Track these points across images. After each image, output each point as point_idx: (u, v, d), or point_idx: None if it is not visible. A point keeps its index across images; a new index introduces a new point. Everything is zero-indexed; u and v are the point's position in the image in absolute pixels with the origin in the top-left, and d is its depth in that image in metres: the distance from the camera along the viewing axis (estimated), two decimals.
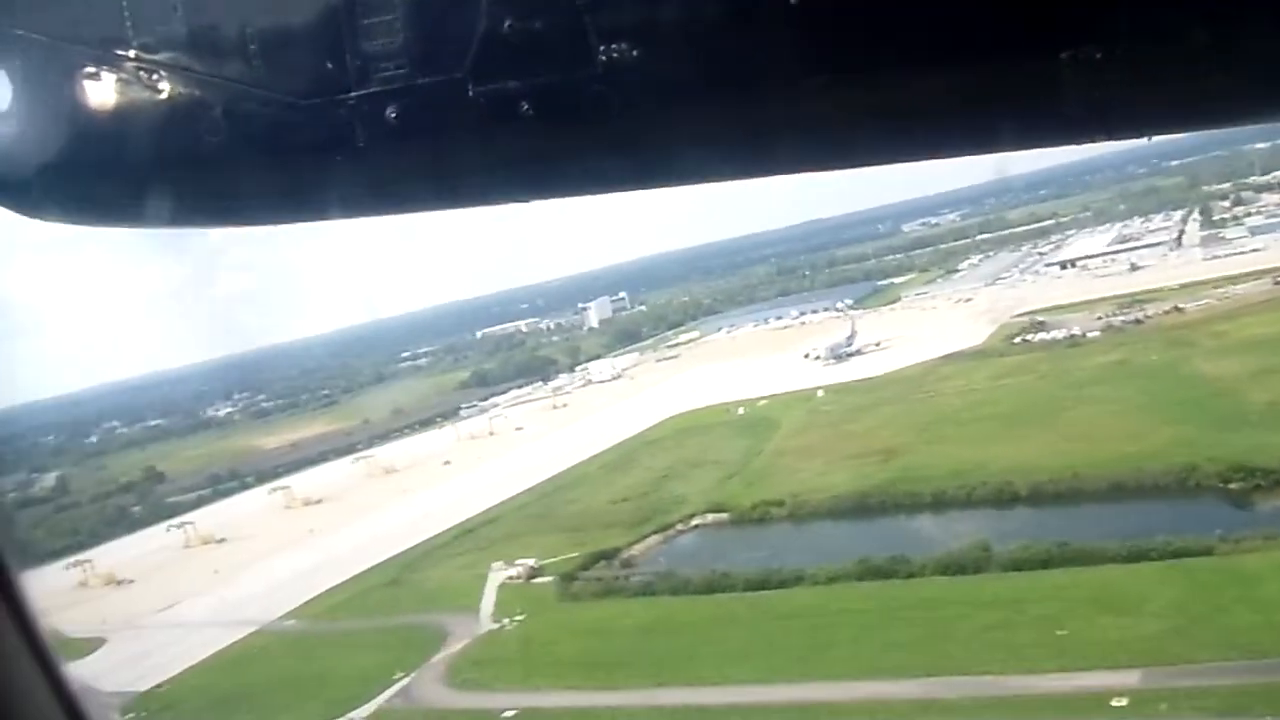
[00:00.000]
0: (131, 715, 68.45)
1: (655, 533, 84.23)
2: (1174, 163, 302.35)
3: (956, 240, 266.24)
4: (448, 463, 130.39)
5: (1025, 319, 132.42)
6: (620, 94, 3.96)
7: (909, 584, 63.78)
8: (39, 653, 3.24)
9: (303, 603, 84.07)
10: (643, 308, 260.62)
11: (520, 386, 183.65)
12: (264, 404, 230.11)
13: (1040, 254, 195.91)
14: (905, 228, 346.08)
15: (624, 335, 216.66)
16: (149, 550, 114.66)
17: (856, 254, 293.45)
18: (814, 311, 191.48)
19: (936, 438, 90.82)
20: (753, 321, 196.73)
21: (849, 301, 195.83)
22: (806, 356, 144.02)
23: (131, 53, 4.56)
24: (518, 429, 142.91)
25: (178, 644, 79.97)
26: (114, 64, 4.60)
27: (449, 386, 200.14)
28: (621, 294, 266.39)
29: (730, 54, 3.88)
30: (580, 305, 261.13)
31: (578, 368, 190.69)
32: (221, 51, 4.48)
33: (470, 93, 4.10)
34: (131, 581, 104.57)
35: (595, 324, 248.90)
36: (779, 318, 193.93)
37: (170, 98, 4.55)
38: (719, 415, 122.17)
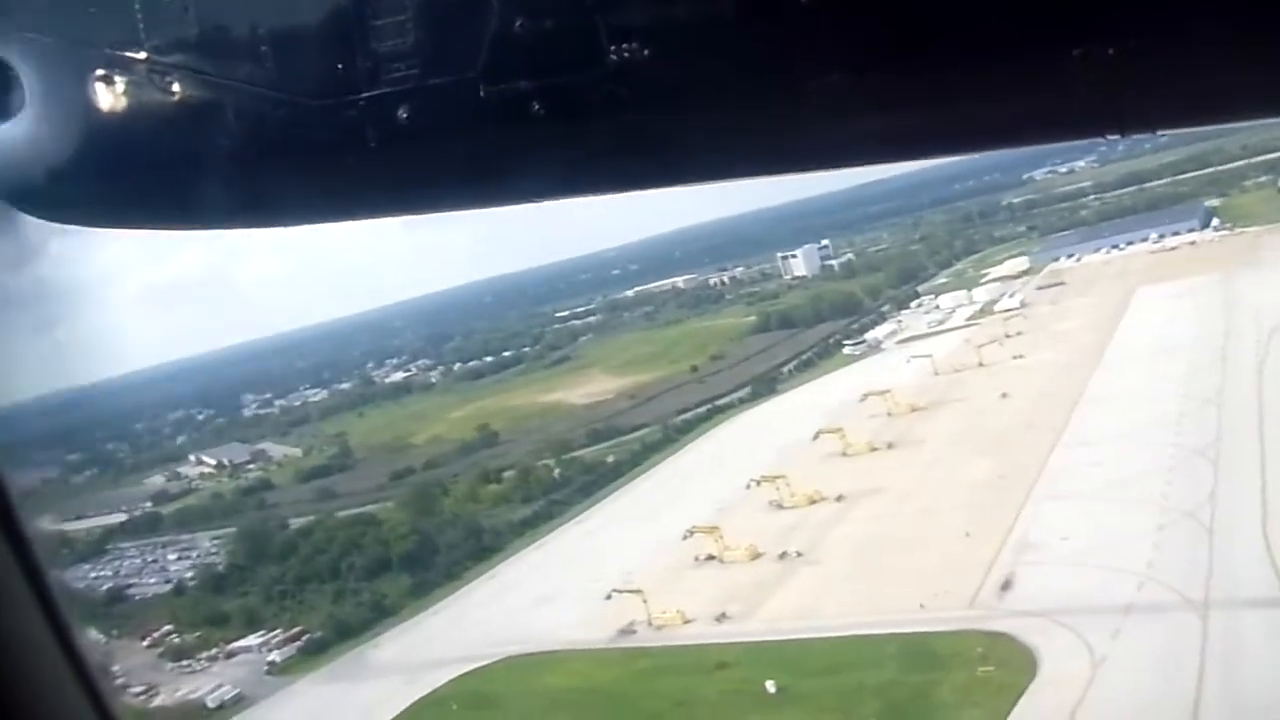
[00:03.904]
0: None
1: None
2: None
3: (1182, 173, 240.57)
4: (1005, 395, 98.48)
5: None
6: (633, 92, 3.83)
7: None
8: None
9: None
10: (850, 255, 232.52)
11: (860, 327, 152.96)
12: (459, 365, 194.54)
13: None
14: (1037, 175, 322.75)
15: (904, 274, 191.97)
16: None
17: (1027, 198, 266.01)
18: (1175, 234, 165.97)
19: None
20: (1096, 249, 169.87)
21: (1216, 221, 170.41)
22: None
23: (144, 55, 4.43)
24: (1016, 357, 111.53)
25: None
26: (127, 66, 4.46)
27: (738, 331, 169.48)
28: (825, 242, 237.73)
29: (745, 51, 3.75)
30: (781, 255, 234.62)
31: (914, 302, 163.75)
32: (233, 53, 4.35)
33: (482, 93, 4.00)
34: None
35: (804, 271, 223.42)
36: (1129, 243, 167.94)
37: (183, 100, 4.43)
38: None
